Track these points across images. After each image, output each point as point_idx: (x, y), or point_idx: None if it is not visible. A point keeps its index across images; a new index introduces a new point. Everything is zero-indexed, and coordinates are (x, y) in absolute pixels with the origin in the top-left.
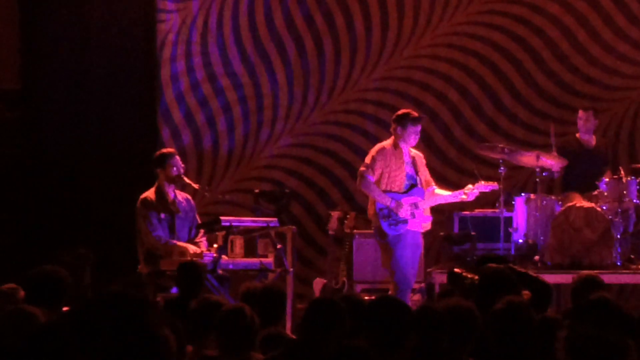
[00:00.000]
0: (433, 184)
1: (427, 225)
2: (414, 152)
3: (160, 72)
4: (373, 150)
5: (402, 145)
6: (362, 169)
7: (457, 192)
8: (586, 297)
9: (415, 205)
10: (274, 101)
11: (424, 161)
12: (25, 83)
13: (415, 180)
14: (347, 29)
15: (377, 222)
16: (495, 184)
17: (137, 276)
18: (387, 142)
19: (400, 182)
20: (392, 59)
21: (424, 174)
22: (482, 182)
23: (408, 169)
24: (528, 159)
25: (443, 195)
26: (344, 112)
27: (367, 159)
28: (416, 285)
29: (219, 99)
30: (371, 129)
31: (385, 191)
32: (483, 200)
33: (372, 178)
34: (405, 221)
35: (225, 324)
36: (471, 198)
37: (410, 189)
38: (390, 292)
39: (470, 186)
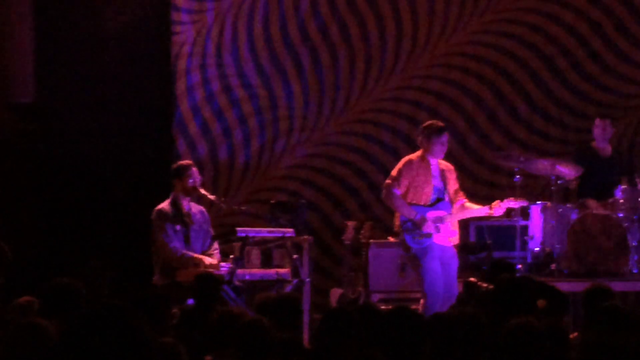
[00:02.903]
0: (463, 197)
1: (454, 240)
2: (443, 164)
3: (176, 83)
4: (400, 163)
5: (430, 157)
6: (388, 181)
7: (484, 207)
8: (597, 306)
9: (441, 220)
10: (290, 112)
11: (454, 173)
12: (40, 96)
13: (443, 194)
14: (361, 39)
15: (401, 235)
16: (525, 200)
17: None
18: (415, 155)
19: (427, 195)
20: (407, 69)
21: (454, 186)
22: (512, 198)
23: (435, 182)
24: (544, 167)
25: (471, 209)
26: (360, 122)
27: (394, 172)
28: None
29: (234, 110)
30: (387, 138)
31: (410, 204)
32: None
33: (398, 191)
34: (429, 235)
35: (243, 336)
36: (498, 213)
37: (436, 202)
38: (421, 304)
39: (497, 201)
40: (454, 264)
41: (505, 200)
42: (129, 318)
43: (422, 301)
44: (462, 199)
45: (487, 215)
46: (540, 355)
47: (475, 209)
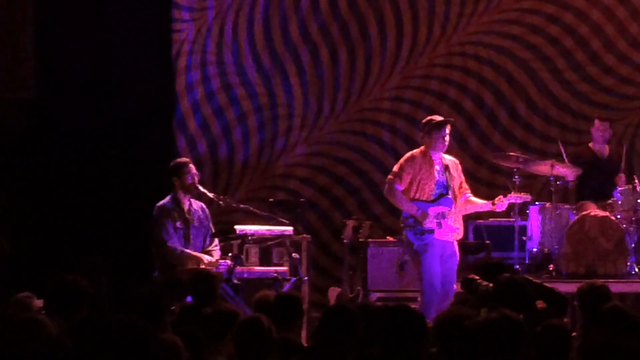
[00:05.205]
0: (468, 191)
1: (457, 235)
2: (448, 158)
3: (176, 81)
4: (402, 159)
5: (432, 152)
6: (390, 177)
7: (487, 202)
8: (596, 306)
9: (442, 215)
10: (289, 110)
11: (459, 167)
12: (42, 92)
13: (446, 189)
14: (362, 38)
15: (403, 231)
16: (528, 195)
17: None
18: (418, 150)
19: (429, 190)
20: (406, 68)
21: (458, 180)
22: (514, 194)
23: (438, 177)
24: (542, 167)
25: (474, 204)
26: (359, 121)
27: (396, 168)
28: None
29: (234, 109)
30: (386, 137)
31: (413, 199)
32: None
33: (400, 187)
34: (431, 231)
35: (241, 334)
36: (500, 208)
37: (438, 197)
38: (418, 301)
39: (500, 197)
40: (454, 261)
41: (508, 196)
42: (137, 328)
43: (419, 298)
44: (467, 193)
45: (490, 210)
46: (519, 346)
47: (479, 204)
